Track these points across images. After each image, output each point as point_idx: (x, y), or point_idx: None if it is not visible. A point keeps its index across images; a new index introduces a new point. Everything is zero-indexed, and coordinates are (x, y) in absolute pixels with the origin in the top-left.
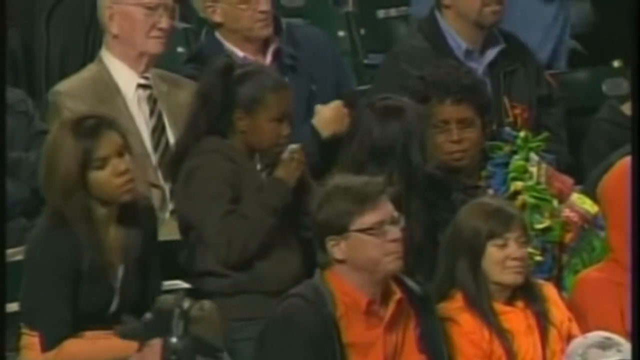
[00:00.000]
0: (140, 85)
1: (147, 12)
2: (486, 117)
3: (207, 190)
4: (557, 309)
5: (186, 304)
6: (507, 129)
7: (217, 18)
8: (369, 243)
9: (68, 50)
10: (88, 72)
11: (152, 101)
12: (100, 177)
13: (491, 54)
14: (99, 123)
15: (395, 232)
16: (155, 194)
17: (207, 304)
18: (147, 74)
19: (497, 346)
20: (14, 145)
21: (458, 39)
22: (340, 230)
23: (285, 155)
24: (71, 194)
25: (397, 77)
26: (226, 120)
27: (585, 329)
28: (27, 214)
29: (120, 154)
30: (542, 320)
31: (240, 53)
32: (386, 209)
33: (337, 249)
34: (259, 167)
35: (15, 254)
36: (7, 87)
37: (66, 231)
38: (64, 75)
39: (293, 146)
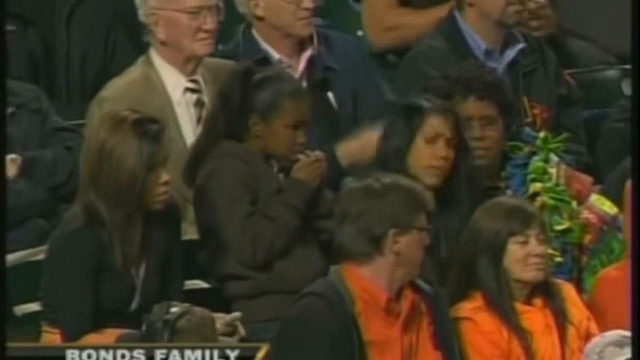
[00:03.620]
0: (187, 89)
1: (191, 16)
2: (508, 117)
3: (226, 193)
4: (576, 308)
5: (169, 315)
6: (527, 129)
7: (259, 12)
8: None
9: (88, 52)
10: (135, 73)
11: (200, 105)
12: (146, 181)
13: (510, 53)
14: (161, 129)
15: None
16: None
17: (199, 312)
18: (194, 77)
19: (515, 345)
20: (29, 144)
21: (477, 39)
22: (404, 225)
23: (304, 157)
24: (128, 194)
25: (417, 77)
26: (242, 125)
27: (604, 328)
28: (44, 214)
29: (165, 163)
30: (561, 319)
31: (276, 55)
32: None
33: (395, 241)
34: (275, 169)
35: (32, 254)
36: (20, 83)
37: (95, 229)
38: (84, 76)
39: (316, 152)
